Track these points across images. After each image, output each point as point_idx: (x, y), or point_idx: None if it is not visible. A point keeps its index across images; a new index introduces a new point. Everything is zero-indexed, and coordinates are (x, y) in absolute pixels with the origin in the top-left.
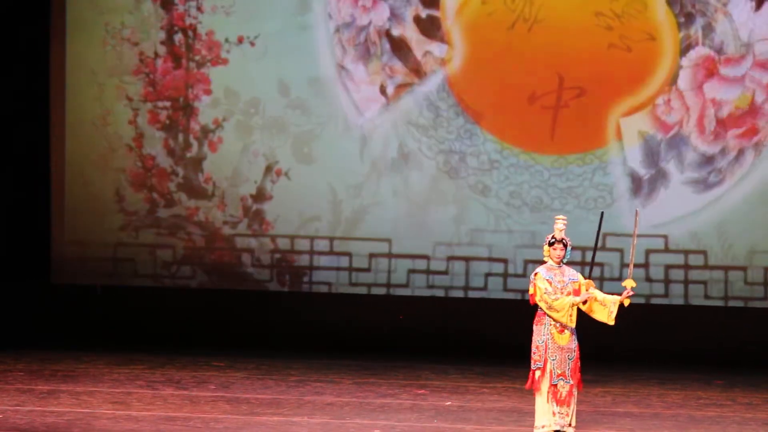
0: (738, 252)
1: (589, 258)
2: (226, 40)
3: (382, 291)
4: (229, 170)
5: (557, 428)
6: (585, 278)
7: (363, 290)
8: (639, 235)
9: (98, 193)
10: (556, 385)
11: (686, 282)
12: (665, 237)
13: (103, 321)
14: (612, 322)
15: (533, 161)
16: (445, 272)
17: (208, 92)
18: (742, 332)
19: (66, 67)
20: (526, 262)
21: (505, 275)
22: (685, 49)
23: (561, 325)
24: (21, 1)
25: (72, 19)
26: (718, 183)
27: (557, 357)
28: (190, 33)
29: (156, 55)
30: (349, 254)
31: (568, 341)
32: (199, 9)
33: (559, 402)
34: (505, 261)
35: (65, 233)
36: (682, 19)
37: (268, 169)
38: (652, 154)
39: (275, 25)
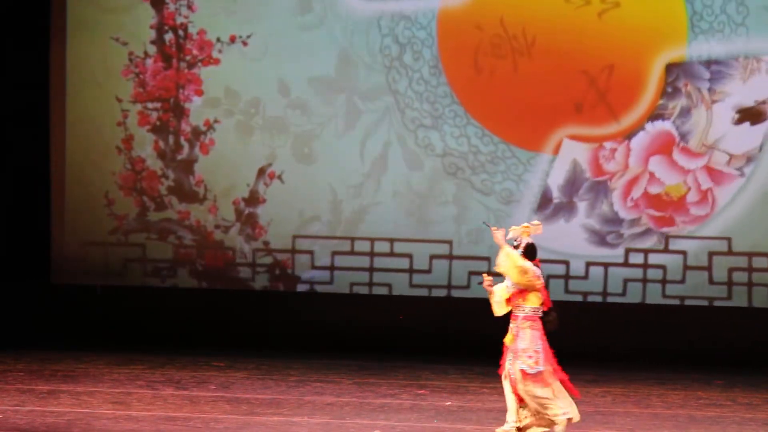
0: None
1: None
2: (218, 40)
3: (383, 291)
4: (221, 173)
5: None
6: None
7: (365, 290)
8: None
9: (98, 193)
10: (523, 371)
11: (685, 282)
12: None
13: (103, 321)
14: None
15: (520, 157)
16: (445, 272)
17: (199, 93)
18: (742, 332)
19: (66, 67)
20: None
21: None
22: (655, 116)
23: (509, 325)
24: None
25: (72, 19)
26: (612, 246)
27: (510, 357)
28: (181, 32)
29: (146, 54)
30: (349, 254)
31: (512, 343)
32: (190, 8)
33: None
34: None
35: (65, 233)
36: (670, 89)
37: (261, 171)
38: (572, 186)
39: (275, 24)
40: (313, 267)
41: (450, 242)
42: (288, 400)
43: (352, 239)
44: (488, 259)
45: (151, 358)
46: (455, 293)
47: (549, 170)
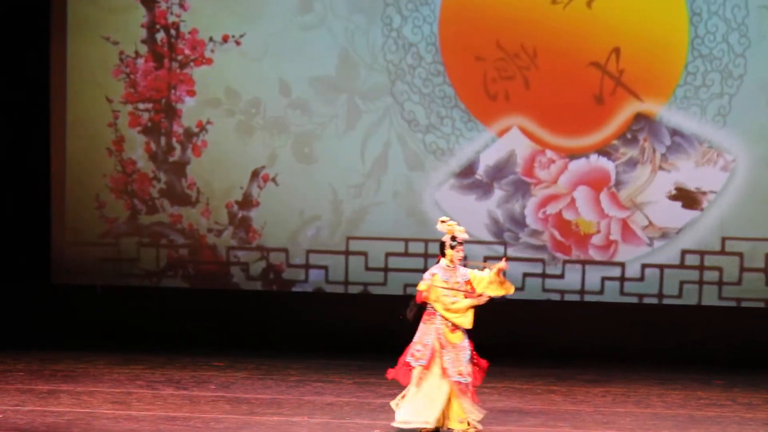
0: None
1: None
2: (211, 39)
3: (381, 291)
4: (213, 175)
5: (437, 425)
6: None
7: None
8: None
9: (96, 194)
10: (458, 383)
11: (682, 283)
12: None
13: (103, 321)
14: (511, 290)
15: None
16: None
17: (191, 93)
18: (742, 332)
19: (67, 67)
20: (353, 254)
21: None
22: (604, 151)
23: (452, 325)
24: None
25: (73, 18)
26: (502, 242)
27: (451, 356)
28: (173, 31)
29: (137, 54)
30: (349, 254)
31: (461, 339)
32: (182, 6)
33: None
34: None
35: (65, 233)
36: (629, 136)
37: (255, 174)
38: (498, 171)
39: (275, 24)
40: (367, 269)
41: None
42: (288, 400)
43: (406, 240)
44: (488, 259)
45: (151, 358)
46: None
47: (488, 147)
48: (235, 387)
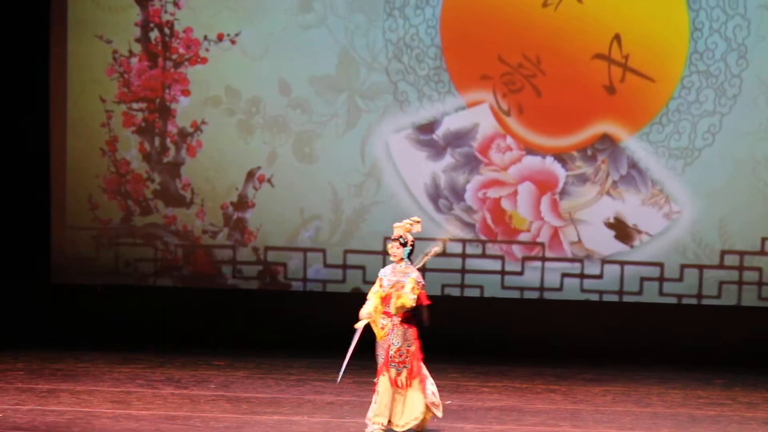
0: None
1: None
2: (205, 38)
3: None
4: (208, 176)
5: (383, 423)
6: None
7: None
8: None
9: (95, 194)
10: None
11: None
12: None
13: (103, 320)
14: (412, 303)
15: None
16: (445, 270)
17: (186, 93)
18: (742, 331)
19: (67, 67)
20: (525, 259)
21: (504, 273)
22: (562, 158)
23: (383, 322)
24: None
25: (73, 17)
26: (436, 208)
27: (382, 354)
28: (167, 30)
29: (131, 53)
30: (350, 253)
31: (383, 339)
32: (176, 5)
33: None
34: (504, 259)
35: (65, 233)
36: (590, 152)
37: (250, 175)
38: (456, 139)
39: (275, 23)
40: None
41: (449, 240)
42: (288, 399)
43: (353, 239)
44: (488, 258)
45: (151, 358)
46: (453, 292)
47: (455, 112)
48: (235, 386)
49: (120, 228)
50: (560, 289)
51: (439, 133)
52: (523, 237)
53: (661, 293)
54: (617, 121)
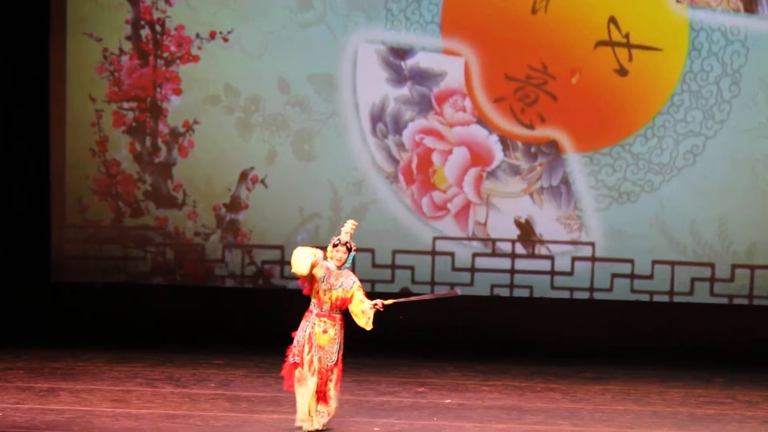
0: (738, 248)
1: None
2: (197, 36)
3: (381, 288)
4: (200, 177)
5: (318, 427)
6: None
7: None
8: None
9: (95, 193)
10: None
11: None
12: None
13: (102, 319)
14: (369, 328)
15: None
16: (446, 269)
17: (178, 92)
18: (742, 330)
19: (66, 66)
20: (527, 257)
21: (511, 271)
22: (508, 144)
23: (324, 326)
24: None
25: (72, 16)
26: (377, 138)
27: (320, 355)
28: (158, 27)
29: (121, 51)
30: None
31: (329, 343)
32: (167, 1)
33: (321, 400)
34: (506, 257)
35: (65, 231)
36: (533, 150)
37: (243, 176)
38: (419, 81)
39: (275, 21)
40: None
41: (451, 239)
42: (287, 398)
43: (493, 240)
44: (489, 256)
45: (151, 356)
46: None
47: (431, 51)
48: (235, 385)
49: (110, 230)
50: (561, 287)
51: (408, 62)
52: (436, 196)
53: (662, 292)
54: (587, 131)
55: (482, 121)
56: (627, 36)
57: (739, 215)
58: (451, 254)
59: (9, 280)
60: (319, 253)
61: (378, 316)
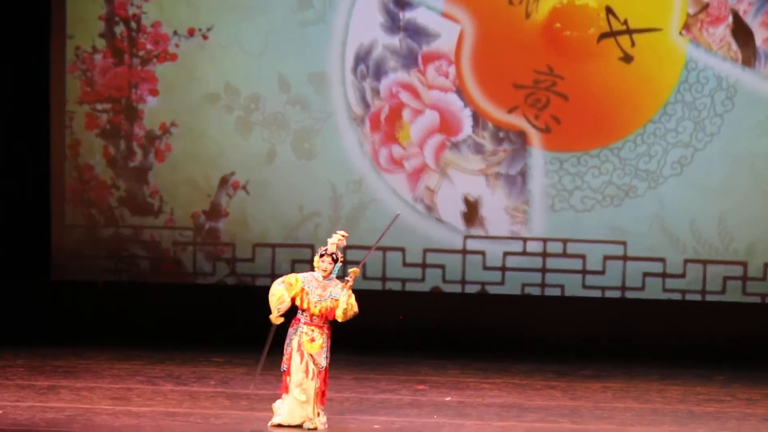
0: (738, 247)
1: None
2: (175, 33)
3: (379, 286)
4: (178, 182)
5: (321, 427)
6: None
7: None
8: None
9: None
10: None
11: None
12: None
13: (103, 317)
14: (353, 312)
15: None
16: (444, 267)
17: (154, 93)
18: (741, 328)
19: (66, 65)
20: (559, 256)
21: (542, 270)
22: (482, 123)
23: (311, 335)
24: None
25: (72, 16)
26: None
27: (313, 360)
28: (134, 24)
29: (94, 49)
30: (348, 249)
31: (317, 352)
32: None
33: (320, 402)
34: (538, 256)
35: (65, 230)
36: (501, 134)
37: (224, 181)
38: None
39: (275, 20)
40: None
41: (448, 238)
42: None
43: (526, 240)
44: (488, 255)
45: (151, 354)
46: (452, 288)
47: (431, 10)
48: (235, 383)
49: (84, 238)
50: (560, 285)
51: (406, 14)
52: (396, 150)
53: (664, 289)
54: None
55: (461, 91)
56: (626, 22)
57: (739, 213)
58: (482, 253)
59: (9, 279)
60: (285, 298)
61: (378, 316)
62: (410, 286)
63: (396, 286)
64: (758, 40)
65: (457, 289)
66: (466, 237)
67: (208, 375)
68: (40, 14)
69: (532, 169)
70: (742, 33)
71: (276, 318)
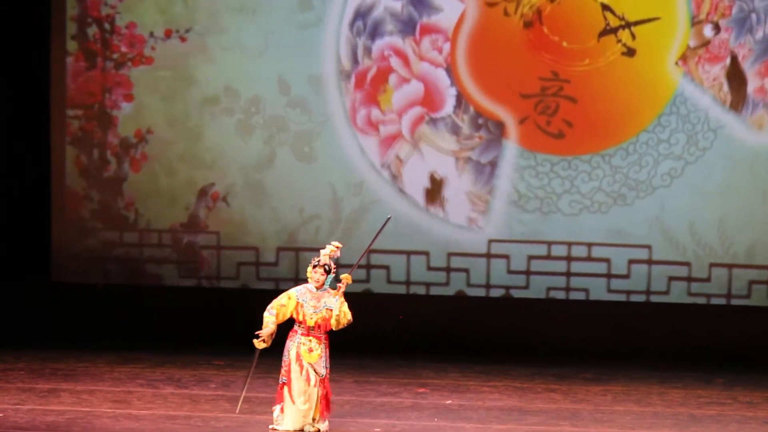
0: (738, 250)
1: None
2: (151, 35)
3: (381, 289)
4: (155, 193)
5: (322, 429)
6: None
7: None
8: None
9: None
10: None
11: (689, 279)
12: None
13: (103, 319)
14: (346, 320)
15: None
16: (445, 269)
17: (129, 98)
18: (742, 330)
19: (67, 68)
20: (529, 258)
21: (567, 274)
22: (462, 102)
23: (309, 345)
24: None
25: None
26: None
27: (314, 369)
28: (107, 25)
29: (66, 52)
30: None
31: (317, 361)
32: None
33: (326, 408)
34: (506, 257)
35: (66, 231)
36: (480, 120)
37: (203, 193)
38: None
39: (275, 22)
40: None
41: (447, 241)
42: None
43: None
44: (488, 257)
45: (152, 357)
46: (454, 291)
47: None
48: (236, 386)
49: (111, 230)
50: (562, 287)
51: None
52: (374, 113)
53: (667, 292)
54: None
55: (450, 70)
56: (623, 17)
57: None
58: (507, 257)
59: (9, 280)
60: (270, 324)
61: (378, 315)
62: (435, 290)
63: (420, 290)
64: (750, 87)
65: (481, 293)
66: (491, 241)
67: (209, 378)
68: (41, 14)
69: (502, 161)
70: (736, 77)
71: (258, 342)
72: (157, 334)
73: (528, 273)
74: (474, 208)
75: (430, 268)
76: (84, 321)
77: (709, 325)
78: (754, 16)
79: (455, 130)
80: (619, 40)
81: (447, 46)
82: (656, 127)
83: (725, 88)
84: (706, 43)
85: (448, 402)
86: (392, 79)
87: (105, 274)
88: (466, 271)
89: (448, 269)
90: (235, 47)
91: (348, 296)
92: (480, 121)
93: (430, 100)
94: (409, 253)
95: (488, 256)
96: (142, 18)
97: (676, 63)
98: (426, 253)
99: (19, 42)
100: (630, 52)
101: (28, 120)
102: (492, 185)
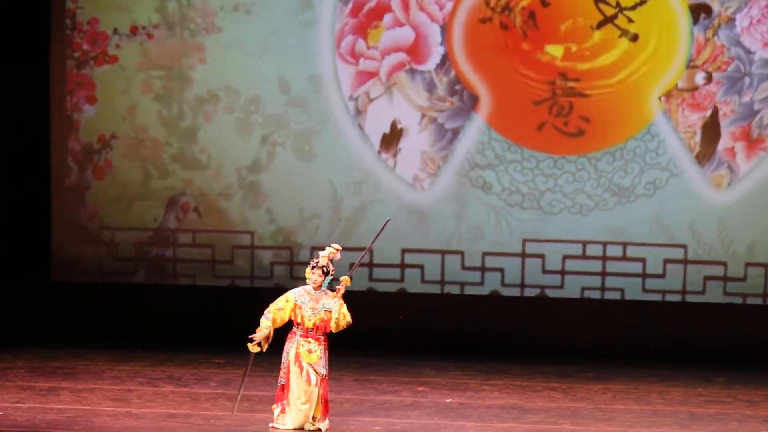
0: (738, 248)
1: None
2: (115, 32)
3: (384, 288)
4: (120, 202)
5: (322, 428)
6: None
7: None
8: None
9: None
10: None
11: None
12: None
13: (103, 318)
14: (345, 322)
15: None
16: (536, 271)
17: (92, 100)
18: (743, 329)
19: (67, 66)
20: (530, 257)
21: (602, 273)
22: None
23: (308, 346)
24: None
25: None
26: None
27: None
28: (69, 22)
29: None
30: (348, 251)
31: (317, 362)
32: None
33: (326, 410)
34: (506, 256)
35: (65, 231)
36: (454, 101)
37: (172, 202)
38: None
39: (275, 21)
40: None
41: (450, 239)
42: None
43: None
44: (488, 256)
45: (152, 355)
46: (453, 289)
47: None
48: (236, 384)
49: (111, 230)
50: (561, 287)
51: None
52: (359, 45)
53: (664, 291)
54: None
55: (444, 30)
56: (617, 3)
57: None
58: (542, 256)
59: (9, 280)
60: (264, 328)
61: (379, 314)
62: (469, 290)
63: (455, 290)
64: (721, 145)
65: (516, 292)
66: (525, 240)
67: (209, 376)
68: (41, 13)
69: (465, 134)
70: (711, 131)
71: (252, 346)
72: (157, 332)
73: (563, 273)
74: (423, 168)
75: (465, 268)
76: (84, 320)
77: (709, 324)
78: (747, 79)
79: (430, 88)
80: (621, 33)
81: (450, 5)
82: (645, 135)
83: (697, 138)
84: (693, 89)
85: (448, 400)
86: (387, 18)
87: (105, 274)
88: (501, 270)
89: (483, 269)
90: (234, 47)
91: (348, 296)
92: (457, 87)
93: (416, 51)
94: (443, 252)
95: (523, 255)
96: (105, 13)
97: (659, 98)
98: (461, 253)
99: (19, 42)
100: (634, 37)
101: (28, 120)
102: (448, 151)
